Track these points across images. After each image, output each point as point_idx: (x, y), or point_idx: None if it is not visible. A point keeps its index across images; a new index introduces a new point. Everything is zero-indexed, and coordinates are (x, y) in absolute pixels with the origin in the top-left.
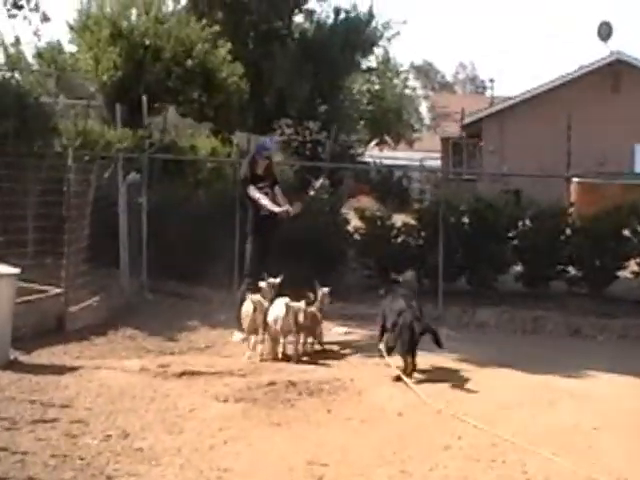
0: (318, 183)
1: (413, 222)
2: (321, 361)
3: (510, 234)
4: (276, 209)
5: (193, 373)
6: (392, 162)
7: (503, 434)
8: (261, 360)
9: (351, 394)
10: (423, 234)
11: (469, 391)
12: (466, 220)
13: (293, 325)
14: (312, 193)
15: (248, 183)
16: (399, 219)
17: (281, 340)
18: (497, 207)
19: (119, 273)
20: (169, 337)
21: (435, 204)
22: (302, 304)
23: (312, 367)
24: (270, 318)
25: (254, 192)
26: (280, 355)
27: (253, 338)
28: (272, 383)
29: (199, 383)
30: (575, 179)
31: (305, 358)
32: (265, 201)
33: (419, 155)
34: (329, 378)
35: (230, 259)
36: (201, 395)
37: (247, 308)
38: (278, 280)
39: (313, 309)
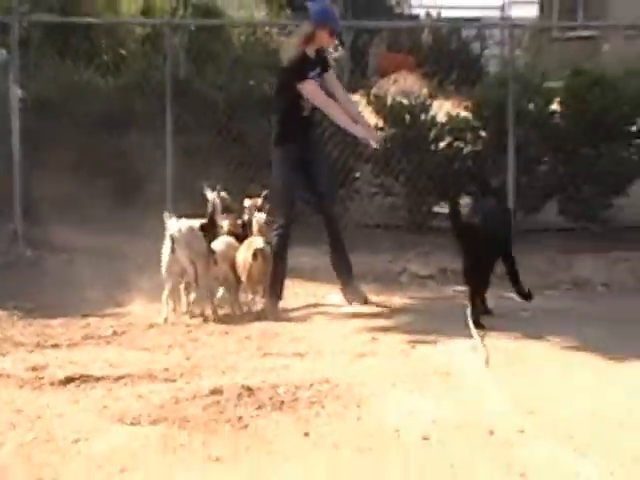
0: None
1: (466, 114)
2: (301, 351)
3: (634, 128)
4: (359, 131)
5: (86, 378)
6: (457, 14)
7: (597, 469)
8: None
9: (345, 405)
10: (483, 134)
11: (549, 395)
12: (556, 108)
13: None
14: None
15: (302, 73)
16: (443, 110)
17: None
18: (610, 84)
19: None
20: (53, 319)
21: (501, 83)
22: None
23: (285, 361)
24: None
25: (320, 94)
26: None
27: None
28: (217, 391)
29: (94, 395)
30: None
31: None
32: (339, 113)
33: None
34: (312, 379)
35: (159, 187)
36: (96, 415)
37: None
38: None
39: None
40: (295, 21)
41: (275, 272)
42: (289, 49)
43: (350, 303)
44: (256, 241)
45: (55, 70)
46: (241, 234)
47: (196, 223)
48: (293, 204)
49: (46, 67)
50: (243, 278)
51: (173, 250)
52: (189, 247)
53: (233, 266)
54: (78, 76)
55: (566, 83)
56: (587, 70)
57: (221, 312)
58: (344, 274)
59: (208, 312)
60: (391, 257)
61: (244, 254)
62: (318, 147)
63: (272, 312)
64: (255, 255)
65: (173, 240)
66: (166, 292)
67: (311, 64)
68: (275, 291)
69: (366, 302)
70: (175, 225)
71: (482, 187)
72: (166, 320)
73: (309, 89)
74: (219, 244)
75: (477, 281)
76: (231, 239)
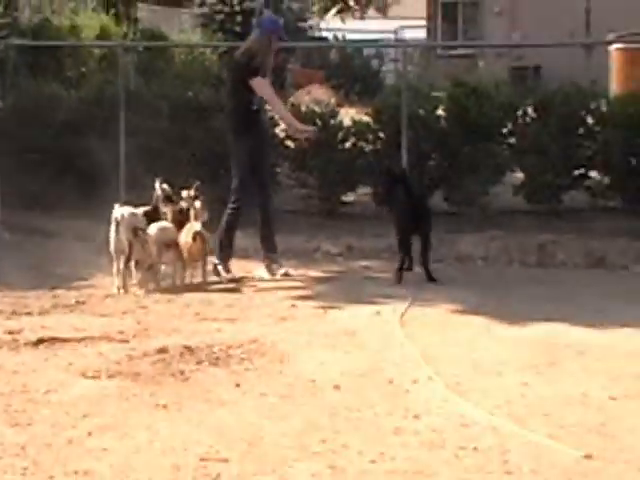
0: None
1: (367, 119)
2: (233, 316)
3: (505, 129)
4: (299, 126)
5: (54, 340)
6: (359, 37)
7: (479, 409)
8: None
9: (270, 361)
10: (381, 135)
11: (439, 350)
12: (441, 113)
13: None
14: None
15: (254, 71)
16: (349, 115)
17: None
18: (484, 92)
19: None
20: (27, 291)
21: (396, 92)
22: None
23: (219, 325)
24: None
25: (271, 92)
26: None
27: None
28: (163, 350)
29: (62, 354)
30: (615, 45)
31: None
32: (282, 107)
33: (397, 24)
34: (242, 339)
35: (115, 181)
36: (63, 370)
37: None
38: None
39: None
40: (225, 43)
41: (225, 241)
42: (243, 52)
43: (273, 276)
44: (195, 225)
45: (27, 85)
46: (181, 219)
47: (138, 209)
48: (247, 192)
49: (20, 82)
50: (185, 256)
51: (117, 232)
52: (130, 229)
53: (167, 246)
54: (47, 89)
55: (449, 92)
56: (465, 82)
57: (165, 284)
58: (270, 252)
59: (152, 285)
60: (307, 238)
61: (185, 236)
62: (266, 139)
63: (225, 271)
64: (194, 237)
65: (117, 223)
66: (115, 267)
67: (263, 68)
68: (225, 255)
69: (287, 275)
70: (119, 211)
71: (390, 173)
72: (118, 290)
73: (260, 84)
74: (151, 228)
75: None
76: (165, 224)
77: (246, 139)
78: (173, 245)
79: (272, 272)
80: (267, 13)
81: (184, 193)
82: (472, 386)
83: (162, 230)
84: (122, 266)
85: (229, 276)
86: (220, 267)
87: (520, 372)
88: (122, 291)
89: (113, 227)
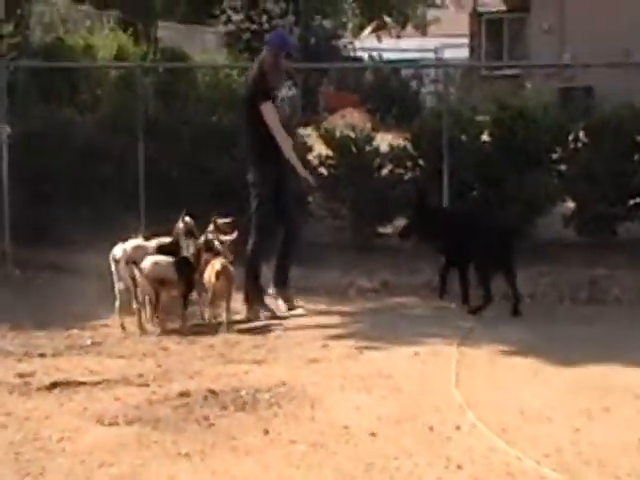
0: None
1: (405, 145)
2: (260, 357)
3: (554, 155)
4: (301, 169)
5: (69, 384)
6: (397, 56)
7: (527, 459)
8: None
9: (300, 406)
10: (421, 162)
11: (483, 394)
12: (485, 138)
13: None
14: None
15: (266, 95)
16: (385, 141)
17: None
18: (532, 116)
19: None
20: (40, 331)
21: (436, 116)
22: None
23: (245, 367)
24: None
25: (278, 124)
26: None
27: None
28: (185, 394)
29: (77, 398)
30: None
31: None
32: (289, 146)
33: (437, 43)
34: (270, 383)
35: (134, 211)
36: (78, 416)
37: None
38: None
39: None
40: (253, 64)
41: (250, 281)
42: (254, 74)
43: (289, 310)
44: (219, 262)
45: (38, 109)
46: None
47: (149, 242)
48: (268, 224)
49: (31, 106)
50: (209, 294)
51: (117, 270)
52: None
53: (162, 283)
54: (60, 114)
55: (493, 116)
56: (511, 105)
57: (189, 323)
58: (281, 284)
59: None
60: (340, 273)
61: (209, 273)
62: (287, 170)
63: (264, 309)
64: (217, 275)
65: (116, 262)
66: (118, 306)
67: (270, 90)
68: (259, 295)
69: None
70: (119, 248)
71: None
72: (122, 327)
73: (268, 110)
74: (145, 262)
75: None
76: (160, 258)
77: (266, 169)
78: (169, 282)
79: (290, 306)
80: (277, 30)
81: (210, 227)
82: (519, 433)
83: (156, 265)
84: (135, 305)
85: (269, 314)
86: (261, 309)
87: (571, 418)
88: (124, 329)
89: (113, 266)
